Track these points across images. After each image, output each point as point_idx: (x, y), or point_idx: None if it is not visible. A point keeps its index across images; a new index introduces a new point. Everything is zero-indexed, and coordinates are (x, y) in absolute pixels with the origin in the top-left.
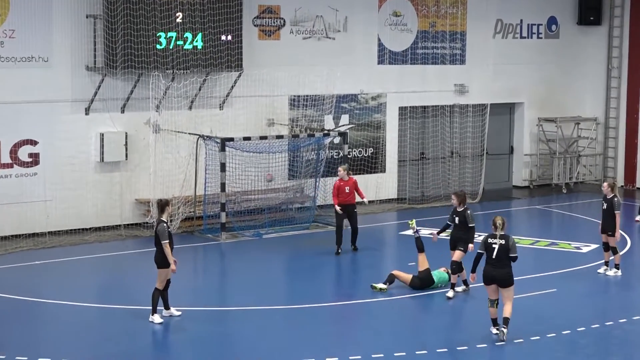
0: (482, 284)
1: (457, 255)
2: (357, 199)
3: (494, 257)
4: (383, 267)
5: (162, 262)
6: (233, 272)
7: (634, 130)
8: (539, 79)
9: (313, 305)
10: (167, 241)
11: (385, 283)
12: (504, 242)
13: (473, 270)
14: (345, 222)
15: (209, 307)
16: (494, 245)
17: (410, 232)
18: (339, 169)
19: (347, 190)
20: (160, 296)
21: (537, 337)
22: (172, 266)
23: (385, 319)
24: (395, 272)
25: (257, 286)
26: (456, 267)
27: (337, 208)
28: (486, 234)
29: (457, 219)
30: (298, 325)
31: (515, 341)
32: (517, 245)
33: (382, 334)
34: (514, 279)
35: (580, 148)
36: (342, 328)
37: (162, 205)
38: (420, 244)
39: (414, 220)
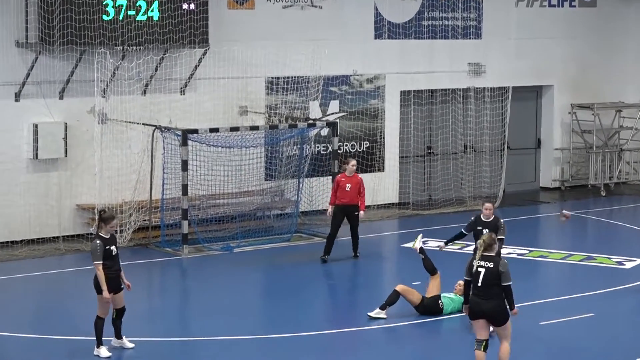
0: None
1: None
2: None
3: (479, 284)
4: (381, 287)
5: (99, 286)
6: (198, 294)
7: None
8: (571, 56)
9: (296, 335)
10: (100, 262)
11: (383, 307)
12: (492, 266)
13: (466, 302)
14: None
15: (169, 337)
16: (479, 269)
17: (410, 244)
18: (352, 162)
19: (347, 189)
20: (112, 324)
21: None
22: (105, 294)
23: (383, 353)
24: (400, 287)
25: (227, 311)
26: None
27: (330, 210)
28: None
29: (485, 232)
30: (277, 358)
31: None
32: (547, 259)
33: None
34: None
35: (622, 141)
36: None
37: (103, 218)
38: (429, 266)
39: (418, 238)
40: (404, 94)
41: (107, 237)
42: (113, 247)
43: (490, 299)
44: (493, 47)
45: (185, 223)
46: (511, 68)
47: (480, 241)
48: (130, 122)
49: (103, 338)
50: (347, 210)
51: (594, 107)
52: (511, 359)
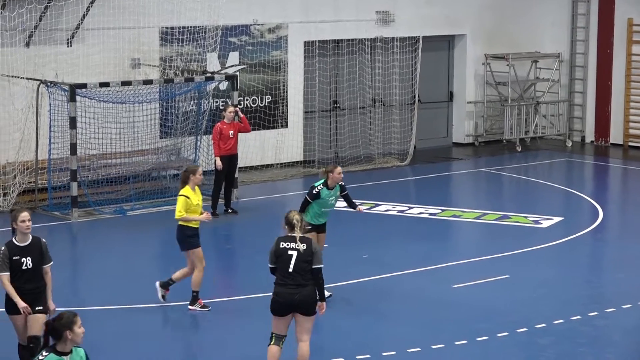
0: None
1: None
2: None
3: (290, 270)
4: None
5: (9, 305)
6: (89, 261)
7: (606, 70)
8: (485, 4)
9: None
10: (3, 274)
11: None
12: (305, 248)
13: None
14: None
15: (58, 308)
16: (290, 253)
17: None
18: (229, 108)
19: (231, 135)
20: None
21: (485, 338)
22: (19, 303)
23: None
24: None
25: (121, 278)
26: None
27: (219, 162)
28: (278, 237)
29: None
30: (174, 328)
31: (457, 343)
32: (460, 219)
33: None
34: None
35: (539, 93)
36: (227, 330)
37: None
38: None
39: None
40: (308, 45)
41: (21, 244)
42: (26, 259)
43: (304, 287)
44: None
45: (74, 185)
46: (422, 16)
47: (297, 217)
48: (12, 76)
49: None
50: (231, 160)
51: (508, 57)
52: (425, 323)
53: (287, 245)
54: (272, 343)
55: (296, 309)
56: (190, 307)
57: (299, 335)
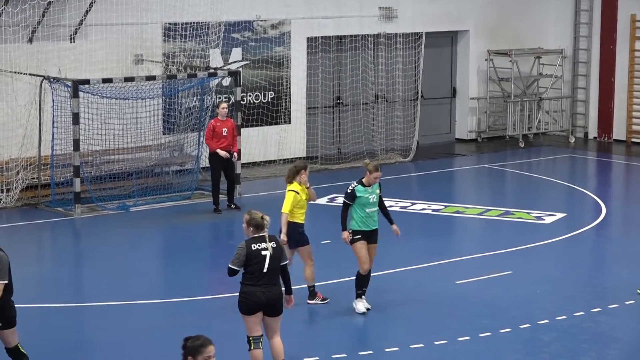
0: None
1: None
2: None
3: (265, 270)
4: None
5: None
6: (91, 257)
7: (609, 67)
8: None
9: (196, 299)
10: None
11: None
12: (275, 245)
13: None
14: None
15: (61, 303)
16: (264, 253)
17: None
18: (222, 105)
19: (225, 133)
20: None
21: (488, 334)
22: None
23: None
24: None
25: (123, 274)
26: None
27: (222, 152)
28: (246, 240)
29: None
30: (176, 324)
31: (460, 339)
32: (463, 215)
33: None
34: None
35: (541, 89)
36: (229, 326)
37: None
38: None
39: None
40: (311, 41)
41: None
42: None
43: (276, 285)
44: None
45: (77, 181)
46: (424, 12)
47: (267, 217)
48: (15, 72)
49: None
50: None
51: (512, 53)
52: (428, 319)
53: (259, 246)
54: (253, 348)
55: (265, 309)
56: (309, 301)
57: (269, 334)
